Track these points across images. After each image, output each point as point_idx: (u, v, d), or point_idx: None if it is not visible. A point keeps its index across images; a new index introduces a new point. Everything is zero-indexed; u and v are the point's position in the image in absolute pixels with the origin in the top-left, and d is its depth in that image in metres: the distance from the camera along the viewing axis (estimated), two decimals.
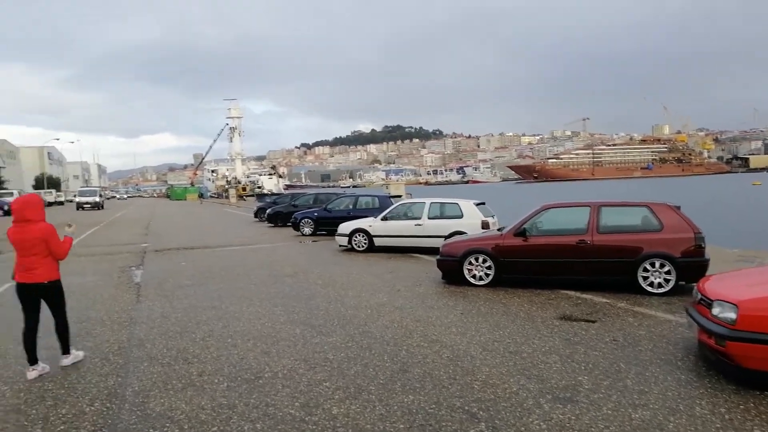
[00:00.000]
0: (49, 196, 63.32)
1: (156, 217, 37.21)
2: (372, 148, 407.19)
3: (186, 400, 4.56)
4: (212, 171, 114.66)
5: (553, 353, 5.54)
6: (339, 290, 9.13)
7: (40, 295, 5.30)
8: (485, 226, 12.49)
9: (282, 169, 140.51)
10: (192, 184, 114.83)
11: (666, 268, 7.98)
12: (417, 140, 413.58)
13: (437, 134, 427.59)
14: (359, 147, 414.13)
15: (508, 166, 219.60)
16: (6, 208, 42.30)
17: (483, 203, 13.68)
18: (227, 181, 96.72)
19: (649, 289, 8.07)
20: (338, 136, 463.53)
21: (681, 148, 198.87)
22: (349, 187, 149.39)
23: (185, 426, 4.09)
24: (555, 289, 8.59)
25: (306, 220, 19.52)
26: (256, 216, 29.77)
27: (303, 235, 19.30)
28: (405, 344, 5.95)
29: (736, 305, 4.45)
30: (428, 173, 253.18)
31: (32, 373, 5.21)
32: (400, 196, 20.68)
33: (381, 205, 17.48)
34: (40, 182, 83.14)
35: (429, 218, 13.37)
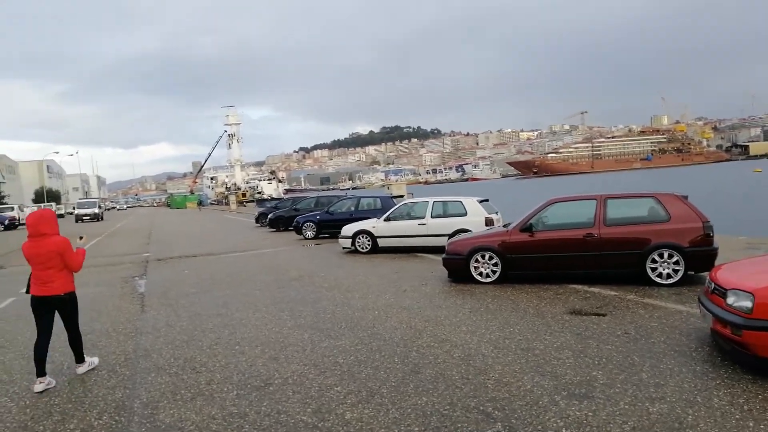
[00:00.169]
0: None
1: (157, 226, 37.18)
2: (371, 149, 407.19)
3: (196, 410, 4.49)
4: (211, 178, 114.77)
5: (565, 349, 5.47)
6: (345, 292, 9.06)
7: (57, 308, 5.35)
8: (489, 222, 12.41)
9: (281, 174, 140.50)
10: (192, 192, 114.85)
11: (674, 259, 7.90)
12: (415, 140, 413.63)
13: (435, 133, 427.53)
14: (358, 149, 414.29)
15: (508, 163, 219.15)
16: (6, 222, 42.31)
17: (486, 200, 13.61)
18: (227, 187, 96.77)
19: (657, 280, 7.99)
20: (336, 139, 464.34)
21: (680, 137, 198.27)
22: (348, 189, 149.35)
23: None
24: (562, 283, 8.51)
25: (308, 223, 19.46)
26: (257, 221, 29.72)
27: (305, 238, 19.24)
28: (415, 345, 5.87)
29: (752, 294, 4.38)
30: (427, 172, 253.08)
31: (39, 386, 5.18)
32: (402, 196, 20.59)
33: (383, 206, 17.42)
34: (40, 196, 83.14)
35: (432, 217, 13.30)
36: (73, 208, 52.01)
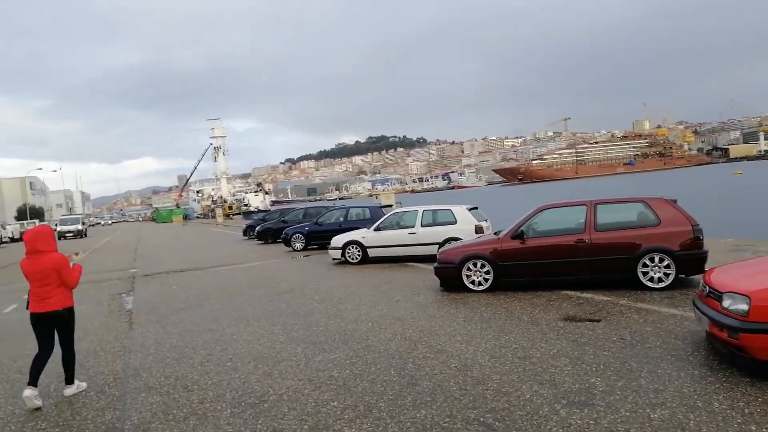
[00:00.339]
0: (32, 226, 62.37)
1: (143, 241, 36.76)
2: (357, 159, 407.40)
3: (189, 430, 4.38)
4: (197, 191, 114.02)
5: (562, 356, 5.43)
6: (337, 304, 8.97)
7: (55, 324, 5.32)
8: (479, 230, 12.41)
9: (268, 186, 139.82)
10: (177, 206, 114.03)
11: (665, 263, 7.93)
12: (401, 149, 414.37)
13: (421, 142, 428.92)
14: (344, 159, 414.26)
15: (493, 170, 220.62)
16: None
17: (475, 208, 13.62)
18: (213, 200, 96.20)
19: (649, 284, 8.01)
20: (323, 150, 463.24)
21: (662, 142, 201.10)
22: (335, 199, 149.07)
23: None
24: (555, 290, 8.50)
25: (297, 235, 19.35)
26: (245, 234, 29.51)
27: (294, 250, 19.11)
28: (411, 356, 5.80)
29: (748, 296, 4.37)
30: (414, 181, 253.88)
31: (29, 392, 5.14)
32: (390, 206, 20.56)
33: (372, 216, 17.37)
34: (23, 213, 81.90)
35: (422, 226, 13.27)
36: (56, 225, 51.15)
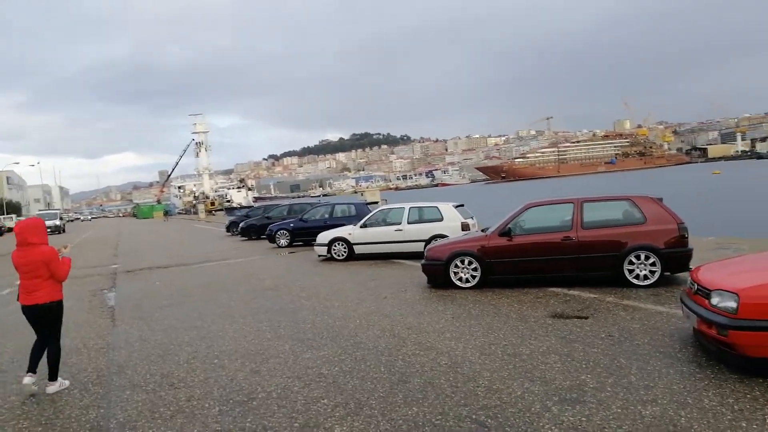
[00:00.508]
0: (9, 221, 61.07)
1: (123, 236, 36.26)
2: (341, 156, 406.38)
3: (176, 428, 4.29)
4: (179, 187, 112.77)
5: (551, 353, 5.44)
6: (324, 301, 8.90)
7: (43, 316, 5.29)
8: (465, 227, 12.42)
9: (250, 182, 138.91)
10: (159, 202, 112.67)
11: (651, 260, 8.00)
12: (385, 146, 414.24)
13: (405, 139, 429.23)
14: (328, 156, 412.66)
15: (477, 168, 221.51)
16: None
17: (462, 205, 13.62)
18: (195, 196, 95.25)
19: (635, 281, 8.07)
20: (306, 146, 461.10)
21: (642, 141, 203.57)
22: (319, 196, 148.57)
23: None
24: (541, 287, 8.52)
25: (282, 231, 19.21)
26: (228, 230, 29.25)
27: (279, 246, 18.97)
28: (400, 353, 5.77)
29: (736, 294, 4.41)
30: (398, 178, 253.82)
31: (27, 379, 5.24)
32: (376, 203, 20.51)
33: (358, 213, 17.31)
34: (0, 207, 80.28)
35: (409, 223, 13.24)
36: None
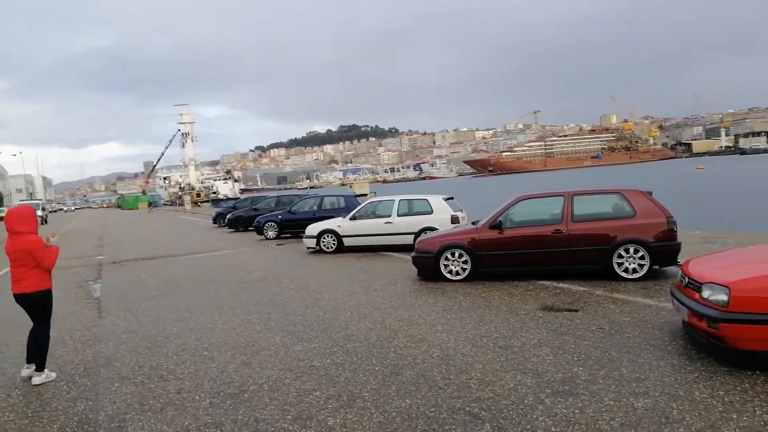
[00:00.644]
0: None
1: (108, 227, 35.85)
2: (328, 148, 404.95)
3: (167, 421, 4.24)
4: (164, 178, 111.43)
5: (543, 345, 5.45)
6: (313, 293, 8.86)
7: (31, 305, 5.29)
8: (455, 220, 12.43)
9: (237, 173, 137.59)
10: (144, 193, 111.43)
11: (640, 254, 8.05)
12: (373, 139, 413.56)
13: (393, 132, 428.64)
14: (315, 148, 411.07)
15: (464, 161, 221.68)
16: None
17: (451, 198, 13.62)
18: (181, 187, 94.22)
19: (624, 275, 8.12)
20: (294, 138, 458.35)
21: (628, 136, 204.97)
22: (306, 188, 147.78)
23: None
24: (531, 279, 8.55)
25: (270, 223, 19.08)
26: (214, 222, 28.99)
27: (267, 238, 18.85)
28: (392, 346, 5.75)
29: (727, 287, 4.44)
30: (386, 171, 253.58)
31: (25, 372, 5.30)
32: (365, 195, 20.45)
33: (347, 205, 17.24)
34: None
35: (398, 215, 13.21)
36: None
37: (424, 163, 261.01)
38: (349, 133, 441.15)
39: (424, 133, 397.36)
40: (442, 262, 8.96)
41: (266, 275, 11.08)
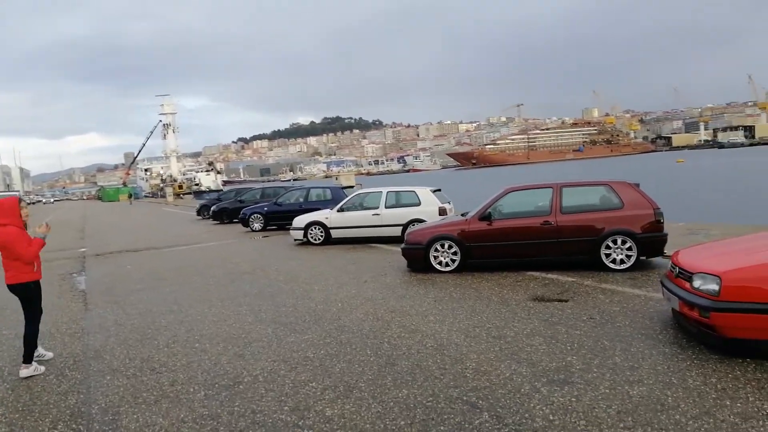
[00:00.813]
0: None
1: (89, 219, 35.33)
2: (312, 140, 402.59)
3: (162, 413, 4.19)
4: (146, 170, 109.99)
5: (536, 335, 5.49)
6: (303, 285, 8.82)
7: (17, 296, 5.27)
8: (442, 212, 12.45)
9: (219, 165, 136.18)
10: (125, 185, 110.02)
11: (628, 245, 8.14)
12: (357, 131, 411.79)
13: (377, 124, 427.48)
14: (299, 139, 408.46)
15: (448, 154, 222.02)
16: None
17: (439, 190, 13.64)
18: (162, 179, 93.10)
19: (611, 265, 8.21)
20: (277, 129, 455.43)
21: (610, 129, 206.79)
22: (290, 180, 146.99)
23: None
24: (520, 270, 8.61)
25: (256, 215, 18.96)
26: (198, 214, 28.76)
27: (253, 230, 18.72)
28: (385, 336, 5.75)
29: (718, 277, 4.50)
30: (369, 163, 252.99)
31: (25, 372, 5.23)
32: (352, 187, 20.37)
33: (334, 197, 17.17)
34: None
35: (386, 207, 13.20)
36: None
37: (408, 155, 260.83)
38: (333, 125, 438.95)
39: (408, 126, 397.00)
40: (432, 253, 8.98)
41: (254, 267, 11.00)
